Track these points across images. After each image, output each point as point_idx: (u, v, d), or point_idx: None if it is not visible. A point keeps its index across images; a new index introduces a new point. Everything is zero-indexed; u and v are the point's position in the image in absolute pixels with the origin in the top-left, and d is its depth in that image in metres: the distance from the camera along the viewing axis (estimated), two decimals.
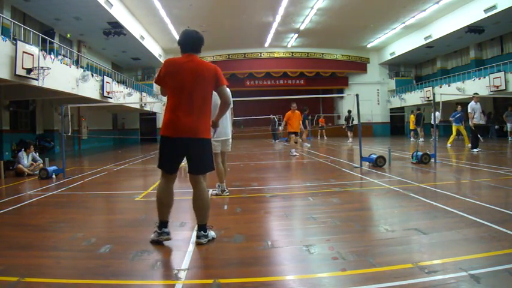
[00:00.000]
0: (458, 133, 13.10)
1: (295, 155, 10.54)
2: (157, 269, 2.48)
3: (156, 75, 2.86)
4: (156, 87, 24.05)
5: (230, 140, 5.08)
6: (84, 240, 3.13)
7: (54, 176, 7.29)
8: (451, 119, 13.11)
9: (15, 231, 3.53)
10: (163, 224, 2.94)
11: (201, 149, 2.88)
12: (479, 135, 10.76)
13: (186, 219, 3.85)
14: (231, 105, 5.04)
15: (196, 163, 2.93)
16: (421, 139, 15.97)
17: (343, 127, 18.38)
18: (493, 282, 2.14)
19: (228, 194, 4.98)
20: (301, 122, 11.50)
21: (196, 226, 3.00)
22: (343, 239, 3.02)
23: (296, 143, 10.88)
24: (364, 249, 2.73)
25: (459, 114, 12.87)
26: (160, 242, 2.92)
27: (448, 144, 12.74)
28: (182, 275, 2.35)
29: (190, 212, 4.31)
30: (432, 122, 8.98)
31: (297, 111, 10.86)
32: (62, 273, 2.50)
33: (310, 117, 17.21)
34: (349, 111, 18.13)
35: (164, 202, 2.94)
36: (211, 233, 3.03)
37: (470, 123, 10.66)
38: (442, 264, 2.37)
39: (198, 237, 2.94)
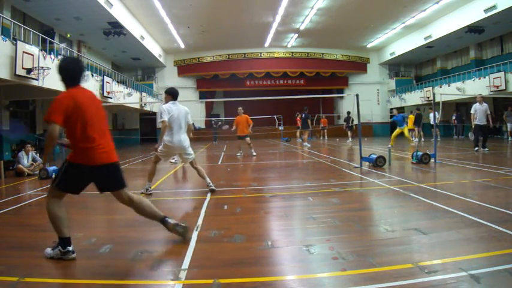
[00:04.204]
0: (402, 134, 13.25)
1: (254, 155, 10.88)
2: (157, 269, 2.48)
3: (57, 111, 2.63)
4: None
5: (188, 152, 5.28)
6: (84, 240, 3.13)
7: (54, 176, 7.28)
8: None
9: (15, 231, 3.54)
10: (66, 241, 2.68)
11: (116, 171, 2.89)
12: (470, 135, 10.89)
13: (185, 219, 3.84)
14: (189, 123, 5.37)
15: (117, 182, 2.89)
16: (416, 139, 16.01)
17: (344, 127, 18.58)
18: (493, 282, 2.14)
19: (150, 193, 5.24)
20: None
21: (162, 220, 3.02)
22: (343, 239, 3.02)
23: (250, 144, 11.09)
24: (364, 249, 2.73)
25: (403, 117, 13.11)
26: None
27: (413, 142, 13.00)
28: (182, 275, 2.35)
29: (189, 213, 4.32)
30: (432, 122, 9.04)
31: (244, 114, 10.99)
32: (62, 273, 2.50)
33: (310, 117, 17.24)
34: (348, 113, 18.42)
35: (63, 216, 2.72)
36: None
37: (474, 122, 10.80)
38: (442, 264, 2.37)
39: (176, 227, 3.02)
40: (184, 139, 5.21)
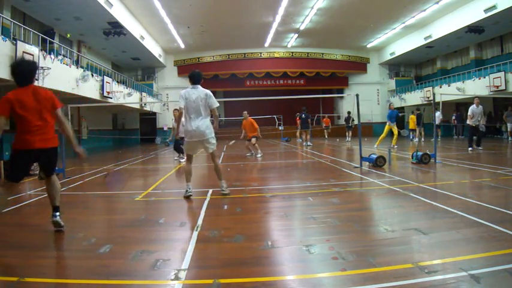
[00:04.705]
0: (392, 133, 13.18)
1: (259, 156, 10.76)
2: (157, 269, 2.47)
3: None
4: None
5: (210, 140, 4.83)
6: (84, 240, 3.13)
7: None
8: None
9: (15, 231, 3.53)
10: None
11: (53, 155, 3.44)
12: (474, 136, 11.28)
13: (185, 219, 3.85)
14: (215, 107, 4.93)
15: (52, 166, 3.48)
16: (417, 139, 16.00)
17: (345, 127, 18.68)
18: (493, 282, 2.14)
19: (191, 194, 4.84)
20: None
21: (54, 209, 3.36)
22: (343, 239, 3.02)
23: (254, 144, 10.99)
24: (364, 249, 2.73)
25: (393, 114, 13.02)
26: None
27: (394, 145, 12.85)
28: (182, 275, 2.35)
29: (190, 213, 4.32)
30: (432, 122, 9.11)
31: (249, 118, 11.06)
32: (62, 273, 2.50)
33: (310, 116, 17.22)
34: (349, 113, 18.55)
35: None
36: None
37: (468, 122, 11.23)
38: (442, 264, 2.37)
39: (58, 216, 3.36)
40: (203, 125, 4.73)
